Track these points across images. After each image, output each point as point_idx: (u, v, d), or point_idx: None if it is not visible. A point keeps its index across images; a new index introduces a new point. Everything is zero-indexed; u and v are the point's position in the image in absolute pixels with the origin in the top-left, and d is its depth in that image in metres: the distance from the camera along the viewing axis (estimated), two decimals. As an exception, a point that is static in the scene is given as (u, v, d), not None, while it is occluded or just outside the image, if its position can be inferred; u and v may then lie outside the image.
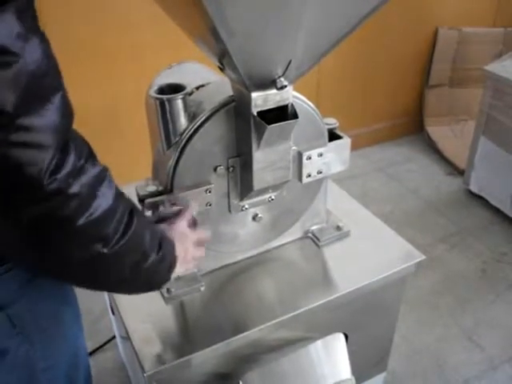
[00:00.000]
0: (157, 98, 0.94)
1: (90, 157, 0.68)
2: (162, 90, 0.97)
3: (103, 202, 0.67)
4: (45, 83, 0.59)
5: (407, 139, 3.25)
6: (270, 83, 0.90)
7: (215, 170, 1.04)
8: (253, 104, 0.91)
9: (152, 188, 1.01)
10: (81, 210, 0.64)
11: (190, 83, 1.03)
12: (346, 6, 0.83)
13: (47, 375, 0.91)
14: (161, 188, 1.01)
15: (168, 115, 0.95)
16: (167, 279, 0.89)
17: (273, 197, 1.13)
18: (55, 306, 0.91)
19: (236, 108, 0.99)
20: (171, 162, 0.99)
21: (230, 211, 1.11)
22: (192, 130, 0.98)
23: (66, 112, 0.63)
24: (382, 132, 3.19)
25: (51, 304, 0.89)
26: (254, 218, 1.16)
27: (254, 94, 0.91)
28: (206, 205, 1.04)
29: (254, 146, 0.97)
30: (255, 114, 0.92)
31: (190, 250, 0.95)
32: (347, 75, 2.89)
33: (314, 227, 1.28)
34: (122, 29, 2.14)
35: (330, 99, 2.83)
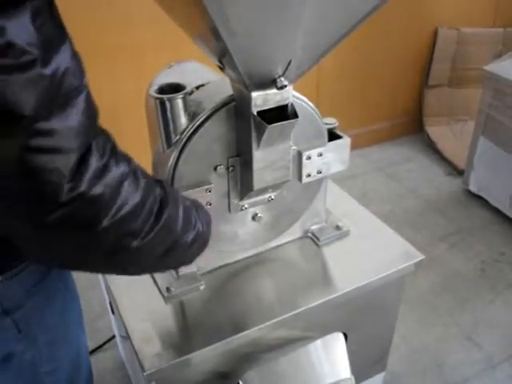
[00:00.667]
0: (157, 98, 0.94)
1: (114, 154, 0.65)
2: (162, 90, 0.97)
3: (129, 199, 0.65)
4: (67, 85, 0.56)
5: (407, 139, 3.26)
6: (270, 83, 0.90)
7: (215, 169, 1.04)
8: (253, 103, 0.92)
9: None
10: (104, 212, 0.62)
11: (190, 83, 1.03)
12: (346, 6, 0.83)
13: (51, 378, 0.92)
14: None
15: (168, 115, 0.95)
16: (199, 254, 0.90)
17: (273, 196, 1.13)
18: (60, 309, 0.91)
19: (236, 107, 0.99)
20: (171, 162, 0.99)
21: (229, 211, 1.12)
22: (192, 129, 0.98)
23: (89, 113, 0.61)
24: (381, 132, 3.20)
25: (56, 307, 0.89)
26: (254, 217, 1.16)
27: (254, 94, 0.91)
28: (206, 204, 1.04)
29: (254, 145, 0.97)
30: (255, 113, 0.92)
31: None
32: (347, 75, 2.90)
33: (313, 227, 1.28)
34: (122, 28, 2.14)
35: (329, 99, 2.83)
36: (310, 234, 1.28)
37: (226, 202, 1.10)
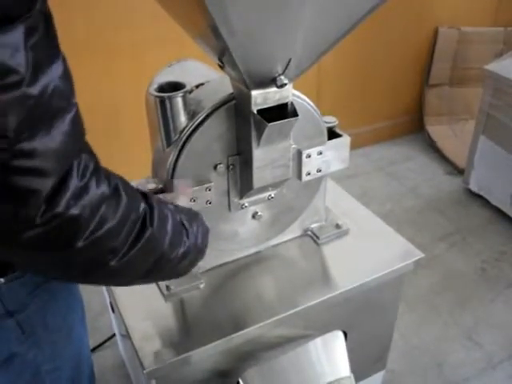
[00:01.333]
0: (157, 96, 0.94)
1: (95, 173, 0.63)
2: (162, 88, 0.97)
3: (107, 220, 0.64)
4: (53, 105, 0.55)
5: (407, 138, 3.26)
6: (269, 81, 0.90)
7: (215, 168, 1.04)
8: (253, 102, 0.92)
9: (152, 186, 1.01)
10: (80, 232, 0.61)
11: (189, 81, 1.03)
12: (346, 5, 0.83)
13: (52, 376, 0.92)
14: (161, 186, 1.01)
15: (168, 113, 0.96)
16: (194, 266, 0.88)
17: (272, 195, 1.13)
18: (63, 309, 0.91)
19: (236, 106, 0.99)
20: (171, 160, 0.99)
21: (229, 209, 1.12)
22: (192, 127, 0.98)
23: (74, 134, 0.59)
24: (381, 131, 3.20)
25: (59, 308, 0.90)
26: (254, 216, 1.16)
27: (253, 92, 0.91)
28: (206, 203, 1.04)
29: (254, 144, 0.97)
30: (255, 111, 0.92)
31: None
32: (347, 74, 2.90)
33: (313, 225, 1.28)
34: (122, 26, 2.14)
35: (330, 98, 2.83)
36: (309, 233, 1.28)
37: (226, 200, 1.10)
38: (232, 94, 0.99)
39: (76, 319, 0.96)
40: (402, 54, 3.02)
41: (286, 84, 0.90)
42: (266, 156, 1.01)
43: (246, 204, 1.12)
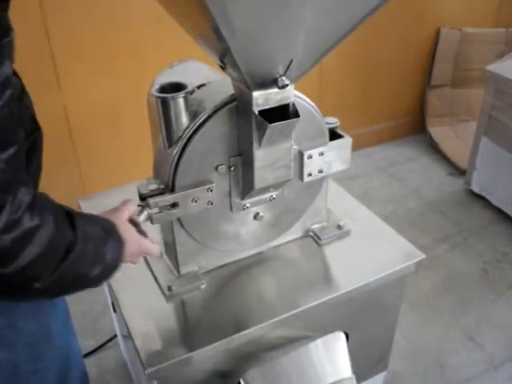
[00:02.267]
0: (158, 97, 0.94)
1: (29, 208, 0.66)
2: (164, 89, 0.97)
3: (33, 250, 0.67)
4: None
5: (409, 139, 3.26)
6: (271, 82, 0.90)
7: (216, 168, 1.04)
8: (254, 103, 0.92)
9: (154, 186, 1.01)
10: (9, 261, 0.64)
11: (191, 82, 1.03)
12: (347, 5, 0.83)
13: (37, 376, 0.93)
14: (162, 186, 1.01)
15: (169, 114, 0.96)
16: (108, 279, 0.87)
17: (274, 196, 1.13)
18: (37, 312, 0.92)
19: (237, 107, 0.99)
20: (172, 161, 0.99)
21: (231, 210, 1.12)
22: (193, 128, 0.98)
23: (10, 172, 0.62)
24: (383, 132, 3.20)
25: (32, 311, 0.90)
26: (256, 216, 1.16)
27: (255, 93, 0.91)
28: (208, 203, 1.04)
29: (255, 144, 0.98)
30: (256, 112, 0.92)
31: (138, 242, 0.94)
32: (349, 75, 2.90)
33: (314, 226, 1.28)
34: (123, 26, 2.15)
35: (332, 99, 2.83)
36: (311, 234, 1.28)
37: (228, 201, 1.10)
38: (233, 94, 0.99)
39: (55, 323, 0.96)
40: (403, 54, 3.02)
41: (287, 85, 0.90)
42: (267, 157, 1.01)
43: (248, 205, 1.12)
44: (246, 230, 1.18)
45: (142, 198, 1.00)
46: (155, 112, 0.99)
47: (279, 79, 0.89)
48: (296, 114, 0.95)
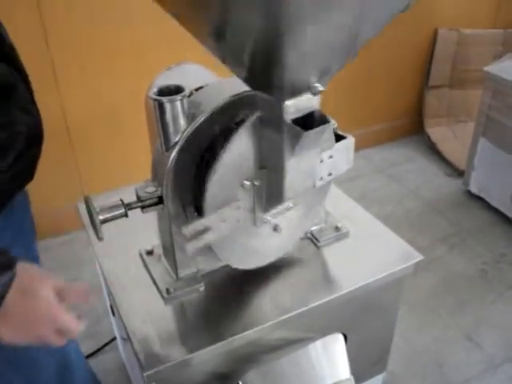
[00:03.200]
0: (155, 100, 0.94)
1: None
2: (162, 92, 0.97)
3: None
4: None
5: (407, 140, 3.26)
6: (305, 89, 0.88)
7: (242, 185, 1.02)
8: (286, 111, 0.89)
9: (151, 189, 1.01)
10: None
11: (189, 85, 1.03)
12: (380, 8, 0.80)
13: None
14: (160, 188, 1.01)
15: (167, 116, 0.96)
16: None
17: (291, 205, 1.11)
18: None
19: (261, 120, 0.96)
20: (169, 163, 0.99)
21: (255, 225, 1.08)
22: (191, 131, 0.98)
23: None
24: (381, 133, 3.20)
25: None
26: (276, 228, 1.13)
27: (288, 102, 0.88)
28: (237, 222, 1.03)
29: (287, 155, 0.94)
30: (289, 121, 0.89)
31: (39, 321, 0.73)
32: (347, 76, 2.90)
33: (313, 228, 1.28)
34: (123, 27, 2.15)
35: (329, 100, 2.83)
36: (309, 235, 1.28)
37: (251, 216, 1.07)
38: (233, 96, 0.98)
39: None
40: (401, 55, 3.03)
41: (321, 91, 0.89)
42: (297, 166, 0.98)
43: (269, 217, 1.09)
44: (268, 244, 1.16)
45: (140, 200, 1.00)
46: (153, 114, 0.99)
47: (313, 86, 0.88)
48: (326, 119, 0.93)
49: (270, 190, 1.04)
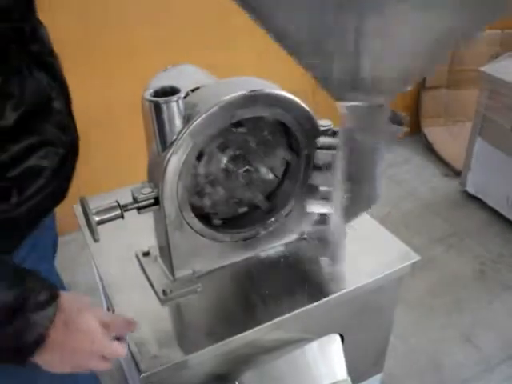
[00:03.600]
0: (151, 101, 0.94)
1: None
2: (157, 93, 0.97)
3: None
4: None
5: (404, 140, 3.26)
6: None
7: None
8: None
9: (147, 190, 1.01)
10: None
11: (185, 86, 1.03)
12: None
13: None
14: (156, 190, 1.01)
15: (163, 118, 0.96)
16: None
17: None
18: None
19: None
20: (166, 165, 0.99)
21: None
22: (187, 132, 0.98)
23: None
24: (379, 134, 3.20)
25: None
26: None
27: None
28: None
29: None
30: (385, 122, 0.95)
31: (85, 353, 0.75)
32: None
33: (309, 229, 1.28)
34: (119, 29, 2.15)
35: (326, 100, 2.83)
36: (305, 236, 1.28)
37: None
38: (230, 97, 0.99)
39: None
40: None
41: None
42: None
43: None
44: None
45: (136, 201, 1.00)
46: (149, 116, 0.99)
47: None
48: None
49: (355, 199, 1.03)
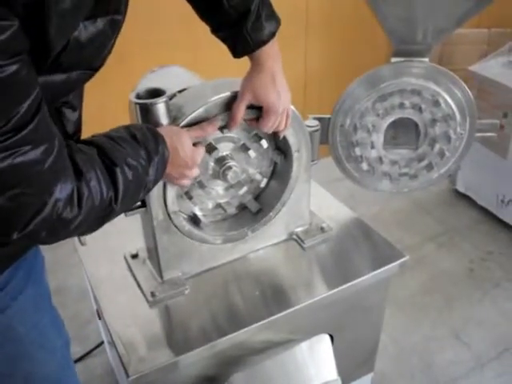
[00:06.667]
0: (137, 103, 0.94)
1: (68, 202, 0.69)
2: (143, 95, 0.97)
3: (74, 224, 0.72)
4: None
5: (394, 140, 3.27)
6: None
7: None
8: None
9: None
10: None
11: (171, 87, 1.03)
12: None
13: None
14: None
15: (149, 120, 0.95)
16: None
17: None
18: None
19: None
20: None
21: None
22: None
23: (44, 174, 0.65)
24: (369, 133, 3.21)
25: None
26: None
27: None
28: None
29: None
30: None
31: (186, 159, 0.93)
32: (333, 75, 2.90)
33: (298, 229, 1.28)
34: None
35: (316, 99, 2.84)
36: (294, 237, 1.28)
37: None
38: (215, 98, 0.99)
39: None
40: (387, 55, 3.03)
41: None
42: None
43: None
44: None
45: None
46: (135, 118, 0.99)
47: None
48: None
49: None
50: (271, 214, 1.20)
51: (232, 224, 1.21)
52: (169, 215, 1.05)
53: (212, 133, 1.01)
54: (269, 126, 1.02)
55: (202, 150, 0.97)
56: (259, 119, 1.02)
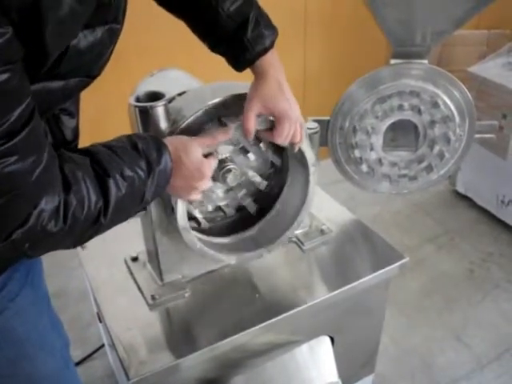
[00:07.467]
0: (136, 106, 0.94)
1: (54, 215, 0.69)
2: (143, 98, 0.97)
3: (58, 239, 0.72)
4: None
5: (394, 141, 3.27)
6: None
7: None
8: None
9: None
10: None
11: (170, 90, 1.03)
12: None
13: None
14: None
15: (148, 123, 0.96)
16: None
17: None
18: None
19: None
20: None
21: None
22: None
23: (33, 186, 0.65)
24: (368, 134, 3.21)
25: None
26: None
27: None
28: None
29: None
30: None
31: (194, 172, 0.89)
32: (332, 76, 2.90)
33: (297, 231, 1.28)
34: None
35: (315, 99, 2.84)
36: (294, 239, 1.28)
37: None
38: (214, 101, 0.99)
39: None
40: (386, 56, 3.04)
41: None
42: None
43: None
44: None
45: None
46: (135, 121, 0.99)
47: None
48: None
49: None
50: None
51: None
52: (169, 218, 1.05)
53: (223, 141, 0.96)
54: (284, 135, 0.96)
55: (213, 162, 0.93)
56: (273, 130, 0.97)
